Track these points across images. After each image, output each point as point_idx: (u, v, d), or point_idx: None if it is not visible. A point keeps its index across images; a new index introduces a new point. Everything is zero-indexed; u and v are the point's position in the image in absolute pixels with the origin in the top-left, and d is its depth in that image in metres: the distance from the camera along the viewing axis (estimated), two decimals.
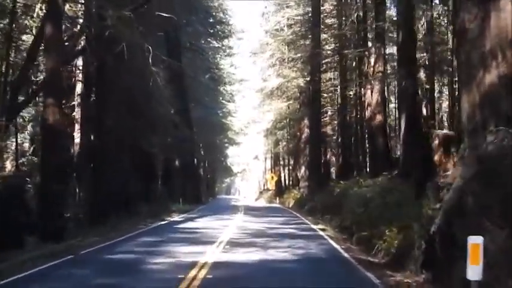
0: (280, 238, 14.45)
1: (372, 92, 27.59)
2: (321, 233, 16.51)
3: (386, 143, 27.67)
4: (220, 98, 60.02)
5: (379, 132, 26.94)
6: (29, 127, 32.89)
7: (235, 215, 25.16)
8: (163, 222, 20.63)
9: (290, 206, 39.90)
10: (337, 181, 30.24)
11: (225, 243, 12.95)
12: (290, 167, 62.36)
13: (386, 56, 30.65)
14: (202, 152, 70.39)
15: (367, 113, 28.26)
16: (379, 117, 26.87)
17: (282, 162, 65.46)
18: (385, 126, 28.62)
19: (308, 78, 37.04)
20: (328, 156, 53.02)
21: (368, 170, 33.85)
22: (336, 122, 47.07)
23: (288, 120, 49.20)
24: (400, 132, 24.08)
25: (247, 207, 34.77)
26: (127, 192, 24.69)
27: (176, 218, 23.64)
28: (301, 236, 15.43)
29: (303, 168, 43.25)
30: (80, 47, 25.33)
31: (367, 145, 31.18)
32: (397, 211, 13.92)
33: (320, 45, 33.08)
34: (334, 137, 50.77)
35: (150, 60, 26.33)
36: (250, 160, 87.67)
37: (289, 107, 43.33)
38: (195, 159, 67.54)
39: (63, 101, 24.04)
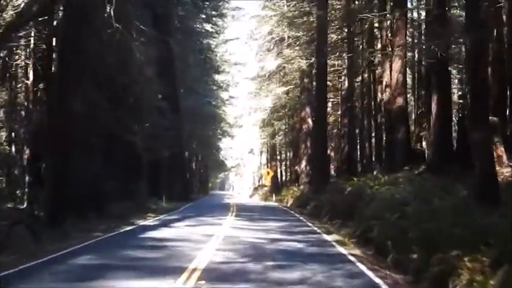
0: (285, 262, 9.46)
1: (391, 70, 22.62)
2: (341, 249, 11.56)
3: (408, 131, 22.75)
4: (214, 87, 54.93)
5: (399, 118, 22.09)
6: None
7: (224, 217, 20.10)
8: (129, 228, 15.62)
9: (289, 205, 34.93)
10: (346, 178, 25.33)
11: (199, 275, 7.88)
12: (288, 162, 57.35)
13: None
14: (194, 145, 65.52)
15: (385, 96, 23.28)
16: (399, 101, 22.01)
17: (278, 157, 60.44)
18: (407, 111, 23.72)
19: (312, 60, 31.97)
20: (327, 151, 48.14)
21: (382, 164, 29.34)
22: (338, 112, 42.20)
23: (287, 109, 44.17)
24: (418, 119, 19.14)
25: (240, 206, 29.73)
26: (99, 190, 20.05)
27: (150, 221, 18.64)
28: (316, 256, 10.48)
29: (303, 163, 38.30)
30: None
31: (384, 134, 26.22)
32: (464, 224, 8.97)
33: (327, 9, 27.87)
34: (335, 130, 45.93)
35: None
36: (244, 154, 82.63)
37: (288, 93, 38.19)
38: (185, 152, 62.60)
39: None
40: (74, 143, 19.10)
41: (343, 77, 40.26)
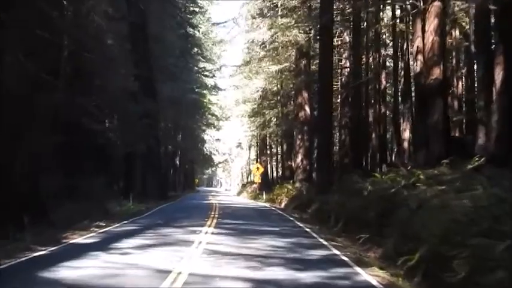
0: None
1: (423, 30, 16.73)
2: None
3: (446, 113, 16.92)
4: (197, 73, 48.69)
5: (435, 96, 16.22)
6: None
7: (200, 228, 13.94)
8: (29, 256, 9.40)
9: (283, 205, 28.99)
10: (359, 174, 19.46)
11: None
12: (279, 157, 51.38)
13: None
14: (179, 138, 59.30)
15: (416, 66, 17.33)
16: (435, 72, 16.24)
17: (269, 151, 54.44)
18: (445, 86, 17.90)
19: (311, 34, 26.01)
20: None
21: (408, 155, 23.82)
22: (338, 100, 36.38)
23: (280, 96, 38.21)
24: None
25: (225, 209, 23.69)
26: (41, 188, 15.38)
27: (91, 235, 12.58)
28: None
29: (299, 157, 32.36)
30: None
31: (414, 118, 20.29)
32: None
33: None
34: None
35: None
36: (232, 149, 76.57)
37: (283, 73, 32.11)
38: (165, 145, 56.35)
39: None
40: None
41: (344, 60, 34.53)
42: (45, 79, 21.53)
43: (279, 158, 51.52)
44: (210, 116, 56.03)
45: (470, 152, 16.64)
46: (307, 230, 14.69)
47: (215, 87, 52.98)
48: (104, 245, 10.72)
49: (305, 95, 32.43)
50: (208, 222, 15.69)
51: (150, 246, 10.48)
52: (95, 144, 26.67)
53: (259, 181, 43.34)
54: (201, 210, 21.83)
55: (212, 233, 12.91)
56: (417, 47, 16.81)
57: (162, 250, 10.02)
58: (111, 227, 14.68)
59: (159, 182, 33.72)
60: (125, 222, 16.46)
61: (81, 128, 24.61)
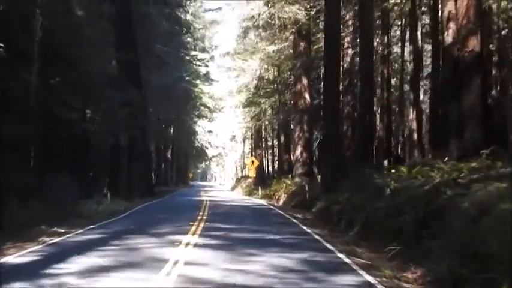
0: None
1: None
2: None
3: (485, 92, 13.75)
4: (187, 56, 45.24)
5: (471, 72, 13.04)
6: None
7: (180, 237, 10.65)
8: None
9: (281, 203, 25.83)
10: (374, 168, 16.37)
11: None
12: (275, 150, 48.15)
13: None
14: (171, 131, 55.94)
15: (448, 36, 14.10)
16: (472, 43, 12.99)
17: (264, 144, 51.20)
18: (483, 60, 14.73)
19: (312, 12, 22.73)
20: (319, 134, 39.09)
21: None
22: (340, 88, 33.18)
23: (276, 84, 34.98)
24: None
25: (216, 208, 20.40)
26: None
27: (24, 251, 9.24)
28: None
29: (298, 149, 29.13)
30: None
31: (439, 101, 17.08)
32: None
33: None
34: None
35: None
36: (226, 142, 73.27)
37: (281, 55, 28.81)
38: (158, 139, 52.97)
39: None
40: None
41: (346, 44, 31.34)
42: (15, 61, 18.50)
43: (275, 151, 48.31)
44: (202, 107, 52.65)
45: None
46: (317, 237, 11.50)
47: (208, 79, 49.61)
48: (39, 267, 7.49)
49: (305, 81, 29.20)
50: (194, 228, 12.44)
51: (103, 270, 7.24)
52: (72, 135, 23.49)
53: (254, 175, 40.18)
54: (188, 210, 18.58)
55: (196, 245, 9.69)
56: (449, 12, 13.58)
57: (118, 278, 6.79)
58: (69, 235, 11.45)
59: (145, 177, 30.46)
60: (92, 227, 13.22)
61: (54, 116, 21.46)
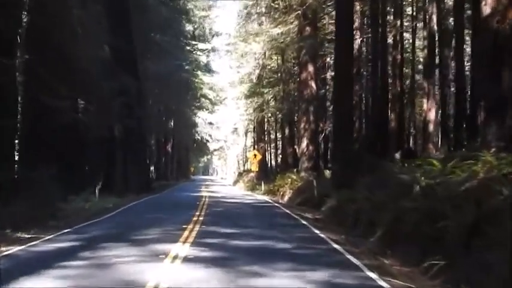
0: None
1: None
2: None
3: None
4: (189, 52, 43.05)
5: None
6: None
7: (168, 247, 8.57)
8: None
9: (286, 199, 23.77)
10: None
11: None
12: (278, 143, 46.04)
13: None
14: (171, 124, 53.77)
15: (485, 5, 11.89)
16: None
17: (267, 138, 49.06)
18: None
19: None
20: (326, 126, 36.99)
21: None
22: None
23: (280, 73, 32.83)
24: None
25: (216, 206, 18.25)
26: None
27: None
28: None
29: (304, 141, 27.03)
30: None
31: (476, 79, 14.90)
32: None
33: None
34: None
35: None
36: (228, 135, 71.04)
37: (287, 37, 26.59)
38: (158, 132, 50.83)
39: None
40: None
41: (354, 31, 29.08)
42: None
43: (278, 144, 46.19)
44: (203, 98, 50.47)
45: None
46: (335, 245, 9.40)
47: (208, 69, 47.38)
48: None
49: (311, 69, 27.06)
50: (186, 233, 10.35)
51: None
52: (64, 127, 21.45)
53: (257, 170, 38.04)
54: (184, 209, 16.48)
55: (185, 259, 7.59)
56: None
57: None
58: (34, 242, 9.39)
59: (142, 171, 28.38)
60: (67, 231, 11.15)
61: (43, 106, 19.58)
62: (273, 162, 49.64)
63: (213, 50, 51.18)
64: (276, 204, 19.63)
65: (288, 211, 16.43)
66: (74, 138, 22.62)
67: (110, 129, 27.60)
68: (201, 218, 13.16)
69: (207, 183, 60.21)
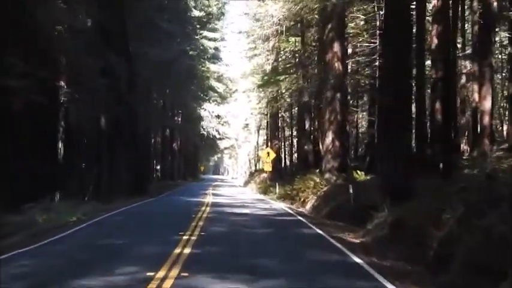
0: None
1: None
2: None
3: None
4: (195, 39, 37.95)
5: None
6: None
7: None
8: None
9: (308, 207, 18.61)
10: None
11: None
12: (294, 140, 40.81)
13: None
14: (179, 119, 48.83)
15: None
16: None
17: (281, 134, 43.80)
18: None
19: None
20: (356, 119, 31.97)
21: None
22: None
23: (299, 55, 27.68)
24: None
25: (218, 220, 12.88)
26: None
27: None
28: None
29: (329, 136, 21.85)
30: None
31: None
32: None
33: None
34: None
35: None
36: (239, 133, 65.93)
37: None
38: (163, 128, 45.81)
39: None
40: None
41: None
42: None
43: (293, 141, 40.94)
44: (211, 91, 45.30)
45: None
46: None
47: (217, 57, 42.17)
48: None
49: (337, 48, 21.88)
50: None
51: None
52: (27, 112, 16.72)
53: (270, 170, 32.86)
54: (170, 227, 11.22)
55: None
56: None
57: None
58: None
59: (133, 170, 23.34)
60: None
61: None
62: (288, 162, 44.45)
63: (222, 39, 46.30)
64: (300, 218, 14.35)
65: (319, 231, 11.21)
66: (43, 128, 17.75)
67: (96, 120, 22.73)
68: (186, 251, 8.01)
69: (215, 183, 55.09)
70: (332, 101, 22.11)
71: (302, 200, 20.34)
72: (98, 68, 19.40)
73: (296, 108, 33.88)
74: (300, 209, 18.94)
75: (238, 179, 70.65)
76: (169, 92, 33.60)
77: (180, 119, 49.71)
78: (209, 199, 22.51)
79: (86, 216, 13.54)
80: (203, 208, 16.41)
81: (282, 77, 27.68)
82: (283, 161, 44.60)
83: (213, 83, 46.06)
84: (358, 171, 20.77)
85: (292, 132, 41.51)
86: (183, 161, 61.18)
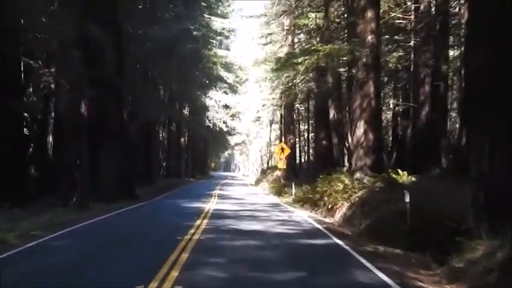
0: None
1: None
2: None
3: None
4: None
5: None
6: None
7: None
8: None
9: (338, 218, 14.01)
10: None
11: None
12: (311, 135, 36.21)
13: None
14: (186, 111, 44.37)
15: None
16: None
17: (297, 128, 39.14)
18: None
19: None
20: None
21: None
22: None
23: (324, 29, 22.98)
24: None
25: (211, 252, 8.18)
26: None
27: None
28: None
29: (361, 126, 17.11)
30: None
31: None
32: None
33: None
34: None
35: None
36: (251, 128, 61.28)
37: None
38: (170, 121, 41.35)
39: None
40: None
41: None
42: None
43: (311, 136, 36.28)
44: (219, 81, 40.57)
45: None
46: None
47: (225, 37, 37.40)
48: None
49: (370, 16, 17.16)
50: None
51: None
52: None
53: (284, 167, 28.30)
54: (129, 271, 6.71)
55: None
56: None
57: None
58: None
59: (121, 168, 18.85)
60: None
61: None
62: (304, 158, 39.84)
63: (232, 30, 41.66)
64: (337, 242, 9.48)
65: (380, 274, 6.55)
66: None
67: (76, 105, 18.28)
68: None
69: (225, 181, 50.58)
70: (364, 83, 17.37)
71: (328, 207, 15.70)
72: (69, 37, 14.99)
73: (312, 101, 29.29)
74: (327, 219, 14.35)
75: (250, 177, 66.12)
76: (170, 78, 29.02)
77: (187, 112, 45.35)
78: (211, 205, 17.91)
79: (20, 239, 9.04)
80: (198, 222, 11.81)
81: (300, 59, 22.99)
82: (297, 158, 39.99)
83: (222, 72, 41.45)
84: (400, 171, 16.13)
85: (308, 126, 36.83)
86: (191, 158, 56.80)
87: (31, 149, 22.46)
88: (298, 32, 28.07)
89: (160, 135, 45.60)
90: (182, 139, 50.47)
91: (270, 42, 35.90)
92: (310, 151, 39.48)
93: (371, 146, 17.14)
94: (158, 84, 26.93)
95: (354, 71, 18.26)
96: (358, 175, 16.80)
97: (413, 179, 15.44)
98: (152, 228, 11.40)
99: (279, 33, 32.64)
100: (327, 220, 14.25)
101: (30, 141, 19.62)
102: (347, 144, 19.20)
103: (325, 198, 16.58)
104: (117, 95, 18.74)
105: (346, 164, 24.72)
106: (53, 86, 17.67)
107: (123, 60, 19.34)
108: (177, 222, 11.81)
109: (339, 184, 16.41)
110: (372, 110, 17.36)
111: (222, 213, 14.42)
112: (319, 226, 12.05)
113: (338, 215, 14.45)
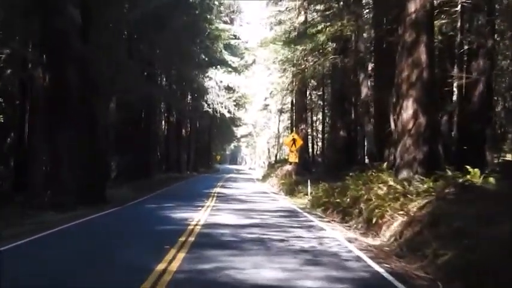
0: None
1: None
2: None
3: None
4: None
5: None
6: None
7: None
8: None
9: (387, 238, 9.13)
10: None
11: None
12: (325, 124, 31.26)
13: None
14: (188, 100, 39.61)
15: None
16: None
17: (310, 117, 34.18)
18: None
19: None
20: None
21: None
22: None
23: None
24: None
25: None
26: None
27: None
28: None
29: (409, 106, 12.13)
30: None
31: None
32: None
33: None
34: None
35: None
36: (258, 120, 56.36)
37: None
38: (170, 109, 36.57)
39: None
40: None
41: None
42: None
43: (325, 126, 31.30)
44: (224, 67, 35.48)
45: None
46: None
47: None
48: None
49: None
50: None
51: None
52: None
53: (296, 161, 23.44)
54: None
55: None
56: None
57: None
58: None
59: (84, 165, 13.97)
60: None
61: None
62: (316, 150, 34.93)
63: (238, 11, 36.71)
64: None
65: None
66: None
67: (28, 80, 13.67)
68: None
69: (229, 176, 45.74)
70: (415, 47, 12.42)
71: (369, 218, 10.79)
72: None
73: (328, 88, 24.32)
74: (370, 239, 9.51)
75: (256, 170, 61.23)
76: (160, 53, 24.11)
77: (190, 99, 40.51)
78: (204, 213, 12.94)
79: None
80: (160, 266, 6.66)
81: (320, 26, 18.01)
82: (310, 150, 35.10)
83: (227, 56, 36.49)
84: (469, 168, 11.17)
85: (324, 115, 31.85)
86: (195, 150, 51.97)
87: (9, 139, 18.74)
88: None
89: (163, 124, 41.21)
90: (183, 130, 45.70)
91: (280, 23, 31.22)
92: (324, 143, 34.68)
93: (423, 134, 12.18)
94: (145, 61, 22.22)
95: (399, 31, 13.31)
96: (404, 174, 11.92)
97: (492, 180, 10.53)
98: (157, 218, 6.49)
99: (288, 11, 27.92)
100: (370, 241, 9.40)
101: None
102: (392, 129, 14.22)
103: (362, 206, 11.69)
104: (82, 71, 13.88)
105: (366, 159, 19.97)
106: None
107: (91, 19, 14.46)
108: (124, 263, 6.79)
109: (382, 186, 11.53)
110: (424, 84, 12.37)
111: (214, 234, 9.45)
112: (380, 270, 6.93)
113: (387, 234, 9.58)
